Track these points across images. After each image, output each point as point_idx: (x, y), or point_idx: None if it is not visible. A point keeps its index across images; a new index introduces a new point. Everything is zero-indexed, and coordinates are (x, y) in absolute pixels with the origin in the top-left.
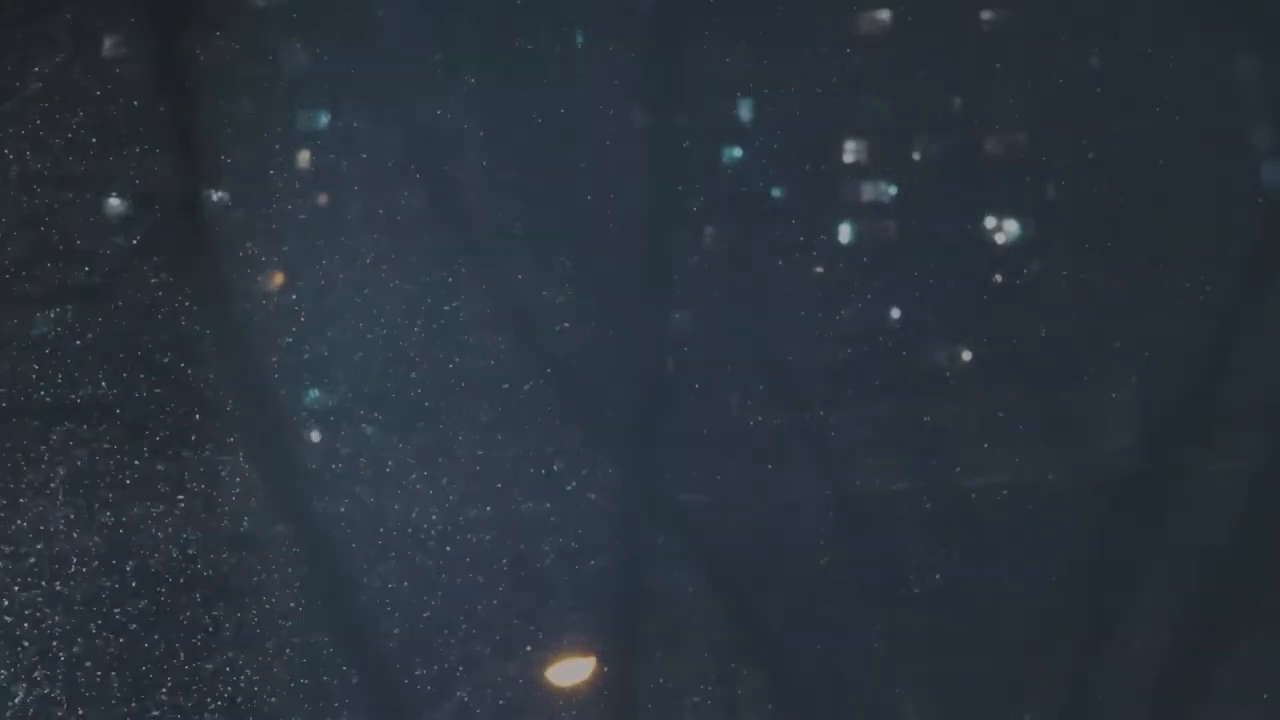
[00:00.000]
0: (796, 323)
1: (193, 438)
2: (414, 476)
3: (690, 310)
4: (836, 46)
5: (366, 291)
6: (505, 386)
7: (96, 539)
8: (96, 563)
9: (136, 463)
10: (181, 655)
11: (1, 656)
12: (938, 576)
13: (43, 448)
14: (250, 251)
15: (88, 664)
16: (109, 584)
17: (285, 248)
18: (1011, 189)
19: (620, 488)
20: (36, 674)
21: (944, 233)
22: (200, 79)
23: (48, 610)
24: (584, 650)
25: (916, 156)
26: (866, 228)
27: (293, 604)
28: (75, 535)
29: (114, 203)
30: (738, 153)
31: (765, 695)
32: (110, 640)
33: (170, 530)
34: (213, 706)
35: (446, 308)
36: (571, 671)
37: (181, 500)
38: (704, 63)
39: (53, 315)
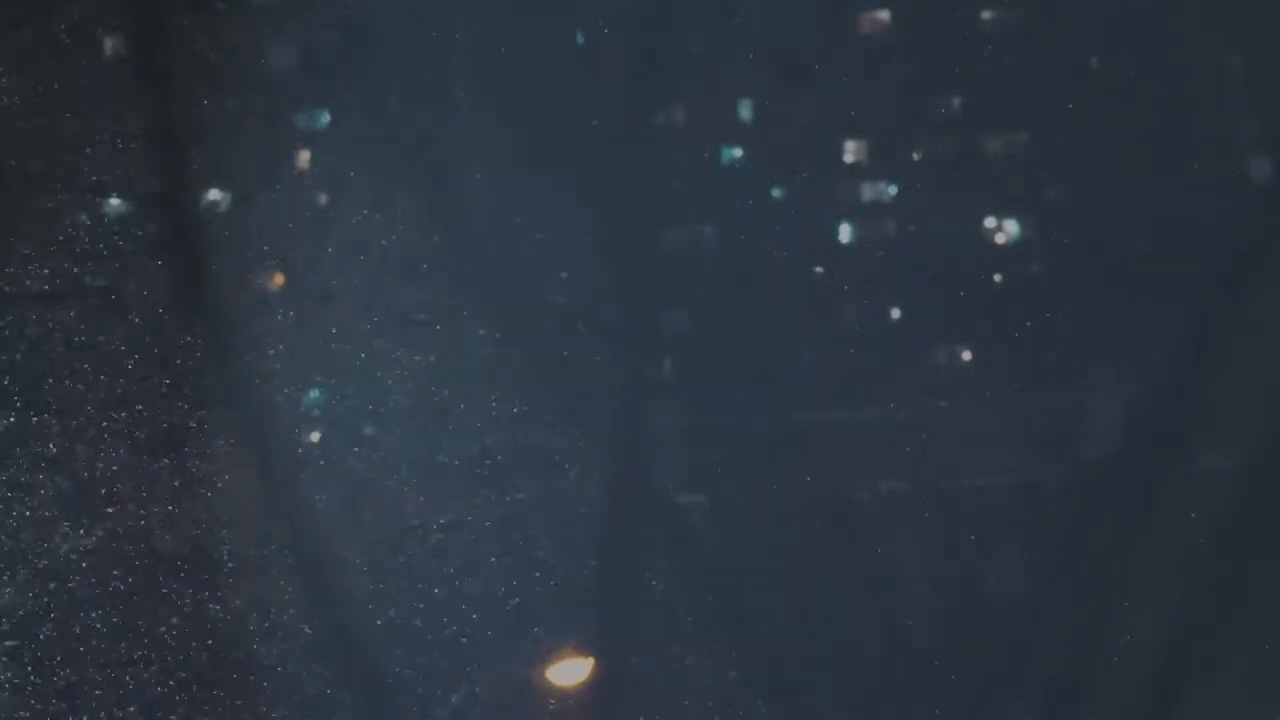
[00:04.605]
0: (796, 323)
1: (193, 438)
2: (413, 476)
3: (689, 310)
4: (836, 46)
5: (366, 291)
6: (504, 386)
7: (96, 539)
8: (96, 563)
9: (137, 462)
10: (181, 654)
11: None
12: (936, 576)
13: (43, 447)
14: (250, 251)
15: (87, 665)
16: (109, 584)
17: (285, 248)
18: (1011, 189)
19: (618, 488)
20: (34, 675)
21: (944, 233)
22: (200, 78)
23: (47, 611)
24: (583, 650)
25: (916, 156)
26: (866, 228)
27: (291, 603)
28: (75, 535)
29: (114, 203)
30: (738, 153)
31: (763, 695)
32: (110, 640)
33: (170, 530)
34: (210, 704)
35: (445, 308)
36: (571, 671)
37: (182, 500)
38: (704, 63)
39: (53, 315)
